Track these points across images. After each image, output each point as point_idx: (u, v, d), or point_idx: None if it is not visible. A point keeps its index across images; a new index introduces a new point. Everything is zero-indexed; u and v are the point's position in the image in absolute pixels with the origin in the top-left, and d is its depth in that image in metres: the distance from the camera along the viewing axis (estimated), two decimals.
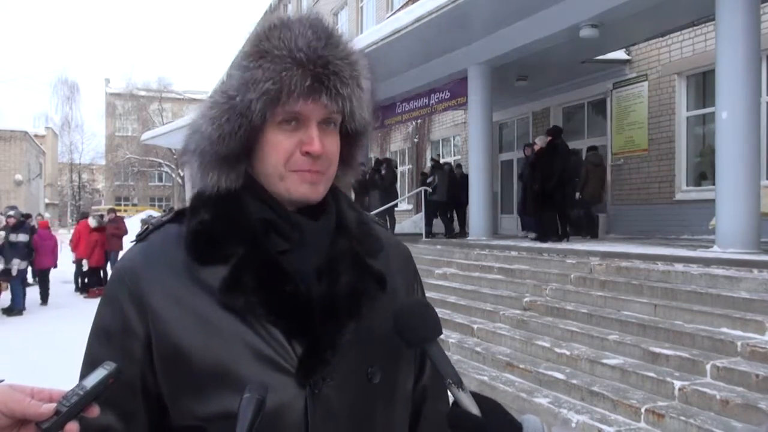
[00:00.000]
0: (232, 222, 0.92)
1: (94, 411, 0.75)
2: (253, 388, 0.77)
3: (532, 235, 11.06)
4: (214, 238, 0.91)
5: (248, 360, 0.86)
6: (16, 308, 11.55)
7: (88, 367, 0.90)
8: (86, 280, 14.53)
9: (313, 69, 0.87)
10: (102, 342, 0.91)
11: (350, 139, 0.98)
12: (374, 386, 0.92)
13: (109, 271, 12.80)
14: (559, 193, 9.91)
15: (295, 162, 0.90)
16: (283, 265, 0.90)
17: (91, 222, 14.31)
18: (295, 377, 0.86)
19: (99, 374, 0.76)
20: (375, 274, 0.97)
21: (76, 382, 0.82)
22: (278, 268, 0.90)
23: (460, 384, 0.83)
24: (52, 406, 0.72)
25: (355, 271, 0.95)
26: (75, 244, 14.34)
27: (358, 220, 1.02)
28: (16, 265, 11.43)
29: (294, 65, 0.86)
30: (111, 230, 14.34)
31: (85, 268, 14.11)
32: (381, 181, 13.57)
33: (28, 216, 13.95)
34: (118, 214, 17.00)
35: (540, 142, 10.37)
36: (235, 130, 0.89)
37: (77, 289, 14.76)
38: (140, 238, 0.98)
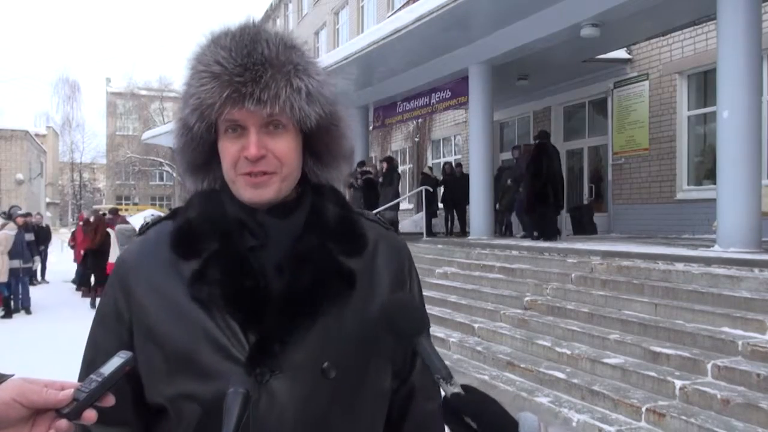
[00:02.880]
0: (211, 220, 0.99)
1: (109, 400, 0.78)
2: (237, 382, 0.80)
3: (520, 234, 11.09)
4: (194, 234, 0.98)
5: (206, 347, 0.92)
6: (24, 307, 11.60)
7: (89, 346, 1.01)
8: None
9: (229, 79, 0.91)
10: (100, 325, 1.01)
11: (318, 134, 0.99)
12: (330, 381, 0.94)
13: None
14: (550, 192, 9.94)
15: (241, 166, 0.95)
16: (249, 260, 0.95)
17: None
18: (244, 367, 0.91)
19: (115, 363, 0.79)
20: (343, 272, 0.98)
21: (77, 374, 0.82)
22: (243, 263, 0.95)
23: (448, 378, 0.83)
24: (70, 392, 0.75)
25: (320, 268, 0.96)
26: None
27: (341, 217, 1.03)
28: (38, 262, 11.70)
29: (211, 79, 0.92)
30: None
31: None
32: (384, 180, 13.58)
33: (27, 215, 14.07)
34: (119, 213, 17.10)
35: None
36: (189, 141, 0.98)
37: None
38: (140, 232, 1.06)
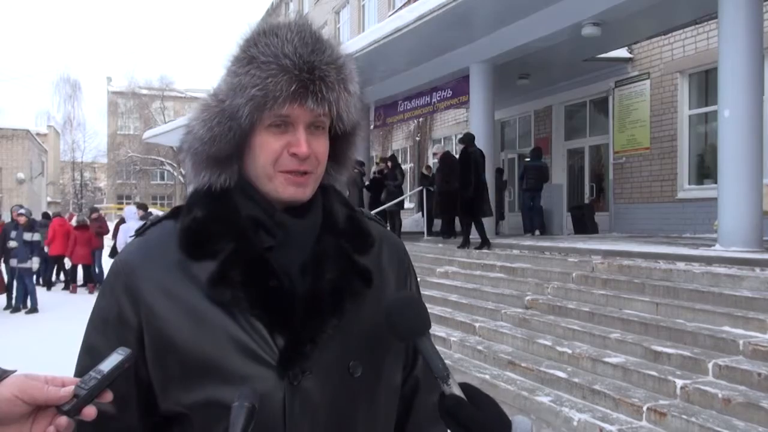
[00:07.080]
0: (223, 219, 0.96)
1: (108, 396, 0.78)
2: (243, 395, 0.79)
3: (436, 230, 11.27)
4: (205, 234, 0.94)
5: (232, 352, 0.89)
6: (33, 306, 11.61)
7: (85, 354, 0.96)
8: (60, 276, 15.27)
9: (298, 74, 0.90)
10: (99, 330, 0.95)
11: (340, 139, 1.02)
12: (356, 380, 0.95)
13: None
14: (479, 198, 9.77)
15: (283, 163, 0.94)
16: (269, 261, 0.93)
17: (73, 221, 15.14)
18: (276, 369, 0.90)
19: (114, 359, 0.78)
20: (361, 270, 0.99)
21: (72, 373, 0.82)
22: (264, 264, 0.93)
23: (446, 379, 0.85)
24: (71, 389, 0.75)
25: (339, 267, 0.97)
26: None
27: (349, 217, 1.04)
28: (36, 263, 11.75)
29: (279, 71, 0.89)
30: (94, 228, 14.82)
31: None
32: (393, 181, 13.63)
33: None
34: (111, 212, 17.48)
35: (439, 150, 11.20)
36: (225, 132, 0.93)
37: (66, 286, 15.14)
38: (139, 233, 1.01)
